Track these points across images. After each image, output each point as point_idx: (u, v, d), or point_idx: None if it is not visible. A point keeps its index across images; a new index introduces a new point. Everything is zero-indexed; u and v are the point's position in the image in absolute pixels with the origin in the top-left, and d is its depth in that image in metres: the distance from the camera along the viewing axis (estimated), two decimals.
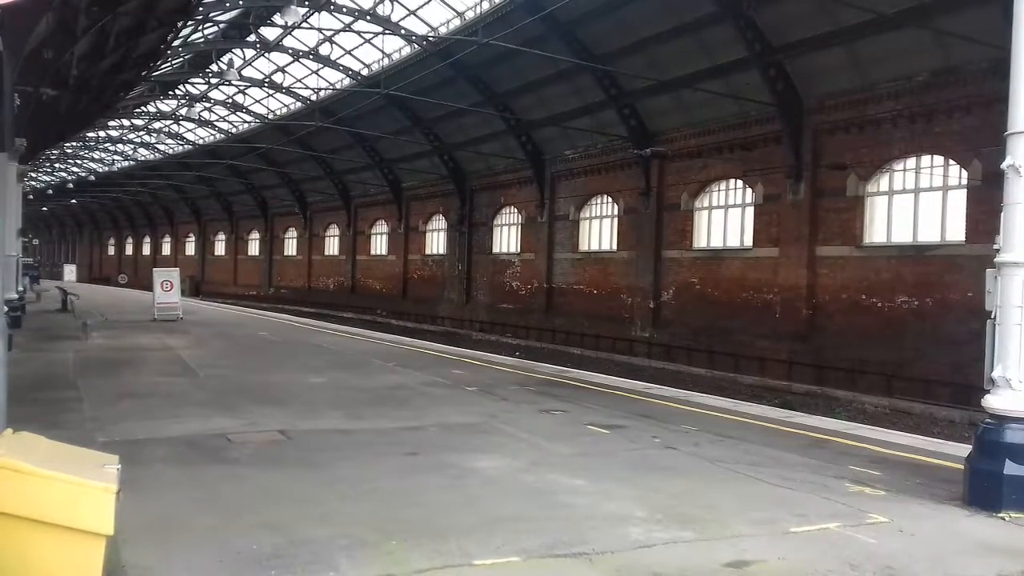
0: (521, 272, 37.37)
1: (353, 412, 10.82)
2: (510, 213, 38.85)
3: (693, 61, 25.59)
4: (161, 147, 61.99)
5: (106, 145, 62.20)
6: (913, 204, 21.73)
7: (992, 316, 6.97)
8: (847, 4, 19.80)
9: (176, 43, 29.55)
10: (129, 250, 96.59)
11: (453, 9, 30.71)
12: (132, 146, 62.72)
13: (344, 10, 32.23)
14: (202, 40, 36.87)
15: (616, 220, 32.19)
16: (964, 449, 8.00)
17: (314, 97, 41.69)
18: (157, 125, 55.56)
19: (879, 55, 21.58)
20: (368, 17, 32.49)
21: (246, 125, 50.94)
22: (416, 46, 33.28)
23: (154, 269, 31.95)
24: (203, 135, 56.77)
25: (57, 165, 71.19)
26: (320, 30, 34.12)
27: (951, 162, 20.68)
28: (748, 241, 26.26)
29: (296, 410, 10.85)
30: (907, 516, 6.55)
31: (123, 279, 75.39)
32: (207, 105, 48.61)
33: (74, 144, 57.95)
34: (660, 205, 29.36)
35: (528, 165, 35.37)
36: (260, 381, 13.66)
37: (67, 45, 15.56)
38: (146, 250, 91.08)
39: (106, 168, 69.95)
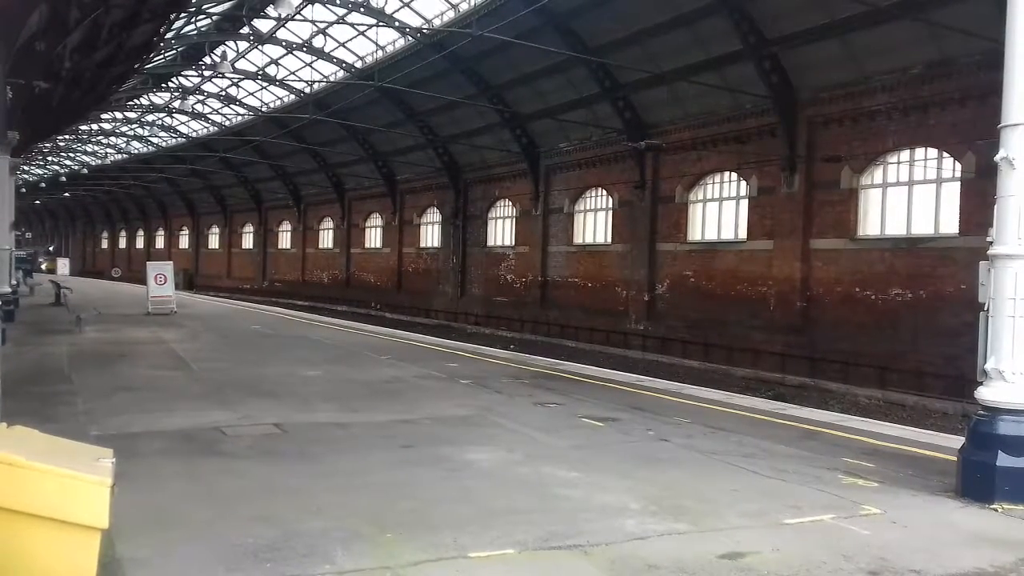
0: (516, 265, 37.33)
1: (348, 405, 10.82)
2: (505, 206, 38.80)
3: (688, 54, 25.57)
4: (154, 140, 61.69)
5: (99, 138, 61.84)
6: (907, 197, 21.78)
7: (985, 308, 7.00)
8: None
9: (169, 35, 29.37)
10: (123, 243, 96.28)
11: (447, 1, 30.63)
12: (125, 139, 62.40)
13: (338, 2, 32.10)
14: (195, 32, 36.65)
15: (611, 213, 32.17)
16: (957, 441, 8.03)
17: (308, 90, 41.50)
18: (150, 118, 55.23)
19: (873, 48, 21.59)
20: (362, 9, 32.35)
21: (239, 118, 50.67)
22: (410, 38, 33.18)
23: (148, 263, 31.81)
24: (196, 128, 56.50)
25: (50, 158, 70.76)
26: (314, 22, 33.99)
27: (945, 155, 20.73)
28: (742, 234, 26.28)
29: (291, 403, 10.84)
30: (900, 507, 6.58)
31: (116, 272, 75.17)
32: (200, 98, 48.36)
33: (67, 137, 57.59)
34: (655, 198, 29.36)
35: (523, 158, 35.31)
36: (254, 374, 13.64)
37: (60, 38, 15.47)
38: (139, 243, 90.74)
39: (99, 161, 69.63)
